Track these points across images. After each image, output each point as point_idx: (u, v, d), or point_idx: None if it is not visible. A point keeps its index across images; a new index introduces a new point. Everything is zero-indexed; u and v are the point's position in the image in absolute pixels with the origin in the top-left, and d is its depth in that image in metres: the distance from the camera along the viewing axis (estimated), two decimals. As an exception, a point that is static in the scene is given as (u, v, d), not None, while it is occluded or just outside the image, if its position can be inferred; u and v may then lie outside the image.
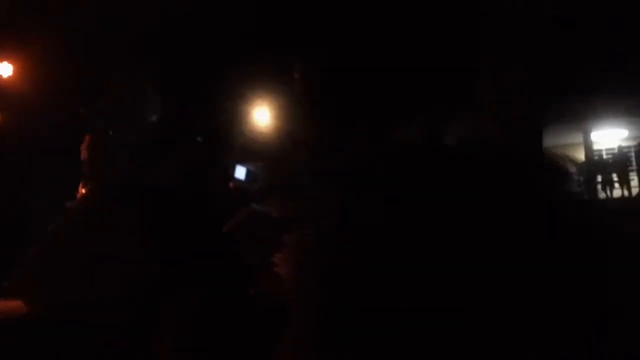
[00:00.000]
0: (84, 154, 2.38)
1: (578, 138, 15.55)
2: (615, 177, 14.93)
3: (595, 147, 15.92)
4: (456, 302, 0.47)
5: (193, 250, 1.76)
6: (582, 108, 14.04)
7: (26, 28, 9.13)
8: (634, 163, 15.31)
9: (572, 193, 0.54)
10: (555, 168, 0.54)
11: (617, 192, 14.78)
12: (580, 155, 15.83)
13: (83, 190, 2.70)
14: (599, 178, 14.82)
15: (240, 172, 3.50)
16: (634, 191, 14.85)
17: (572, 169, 0.58)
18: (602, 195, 14.48)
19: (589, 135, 15.65)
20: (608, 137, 16.11)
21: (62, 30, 9.05)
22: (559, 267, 0.48)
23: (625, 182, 14.81)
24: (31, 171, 8.10)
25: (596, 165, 15.09)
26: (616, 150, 15.57)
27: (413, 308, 0.48)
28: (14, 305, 1.86)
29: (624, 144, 15.88)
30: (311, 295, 0.54)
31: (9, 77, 9.90)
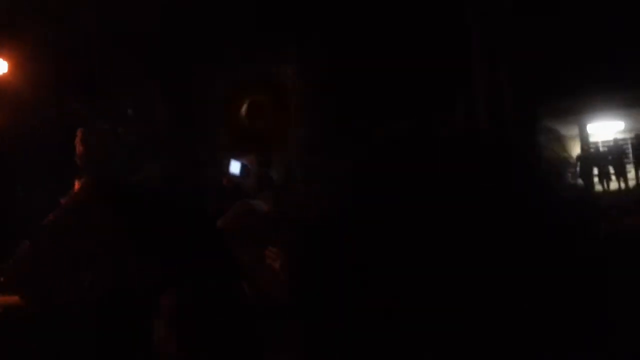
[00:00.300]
0: (78, 149, 2.36)
1: (574, 131, 15.57)
2: (611, 169, 14.96)
3: (592, 139, 15.95)
4: (452, 302, 0.46)
5: (191, 248, 1.75)
6: (578, 101, 14.06)
7: (21, 25, 9.09)
8: (630, 155, 15.35)
9: (565, 190, 0.53)
10: (549, 165, 0.54)
11: (613, 185, 14.82)
12: (577, 148, 15.87)
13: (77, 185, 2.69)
14: (596, 171, 14.86)
15: (234, 167, 3.49)
16: (631, 183, 14.90)
17: (567, 164, 0.57)
18: (598, 187, 14.52)
19: (585, 128, 15.68)
20: (604, 129, 16.14)
21: (56, 27, 9.03)
22: (553, 265, 0.47)
23: (621, 174, 14.85)
24: (26, 167, 8.09)
25: (592, 157, 15.12)
26: (612, 143, 15.60)
27: (407, 308, 0.47)
28: (12, 300, 1.84)
29: (620, 136, 15.91)
30: (305, 293, 0.53)
31: (4, 74, 9.88)
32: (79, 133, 2.45)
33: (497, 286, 0.47)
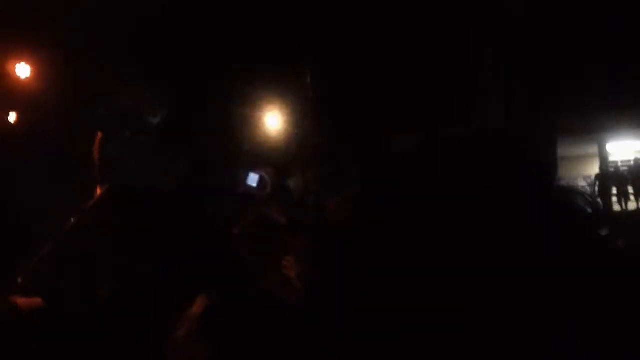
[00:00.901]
0: (95, 155, 2.38)
1: (593, 149, 15.40)
2: (631, 189, 14.76)
3: (611, 158, 15.76)
4: (458, 303, 0.46)
5: (193, 250, 1.76)
6: (597, 119, 13.92)
7: (43, 30, 9.24)
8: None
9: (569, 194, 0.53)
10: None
11: (632, 205, 14.62)
12: (595, 167, 15.68)
13: (99, 192, 2.71)
14: (615, 190, 14.67)
15: (252, 179, 3.52)
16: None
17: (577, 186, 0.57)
18: (617, 207, 14.33)
19: (605, 147, 15.50)
20: (624, 148, 15.95)
21: (78, 32, 9.16)
22: (557, 270, 0.47)
23: (641, 194, 14.64)
24: (43, 169, 8.19)
25: (611, 177, 14.93)
26: (632, 162, 15.41)
27: (416, 308, 0.47)
28: (35, 302, 1.86)
29: (640, 155, 15.71)
30: (319, 297, 0.53)
31: (27, 78, 10.04)
32: (97, 140, 2.46)
33: (502, 288, 0.47)
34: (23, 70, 10.11)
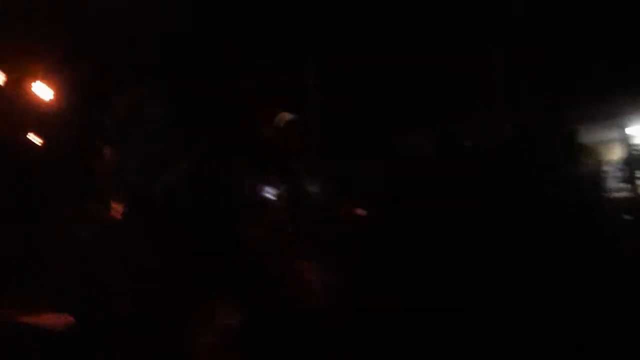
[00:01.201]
0: (103, 166, 2.36)
1: (614, 134, 15.13)
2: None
3: (635, 142, 15.45)
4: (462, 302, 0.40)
5: (197, 252, 1.73)
6: (618, 102, 13.68)
7: (44, 30, 9.36)
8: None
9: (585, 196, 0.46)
10: (572, 170, 0.47)
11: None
12: (618, 152, 15.35)
13: (113, 205, 2.71)
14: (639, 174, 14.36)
15: (263, 190, 3.55)
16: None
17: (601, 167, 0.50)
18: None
19: (627, 131, 15.22)
20: (647, 131, 15.64)
21: (78, 32, 9.29)
22: (563, 269, 0.40)
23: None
24: (54, 175, 8.27)
25: (636, 160, 14.64)
26: (659, 145, 15.11)
27: (421, 308, 0.40)
28: (54, 318, 1.85)
29: (665, 137, 15.41)
30: (335, 298, 0.47)
31: (50, 100, 10.14)
32: (106, 152, 2.43)
33: (504, 287, 0.40)
34: (43, 92, 10.20)
